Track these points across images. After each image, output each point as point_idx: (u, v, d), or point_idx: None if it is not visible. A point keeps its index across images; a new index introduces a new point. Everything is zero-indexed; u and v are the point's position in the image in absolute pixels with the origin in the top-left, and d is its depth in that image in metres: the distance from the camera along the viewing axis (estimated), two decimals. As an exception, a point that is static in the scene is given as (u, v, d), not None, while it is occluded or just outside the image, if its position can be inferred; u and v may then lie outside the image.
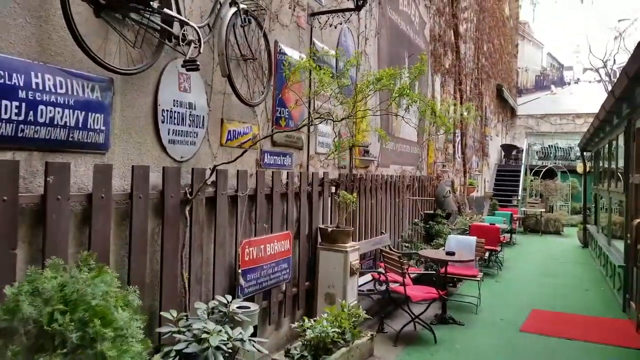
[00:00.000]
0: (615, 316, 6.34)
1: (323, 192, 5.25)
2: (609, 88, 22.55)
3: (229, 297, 2.92)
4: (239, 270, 3.36)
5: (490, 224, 10.09)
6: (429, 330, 5.28)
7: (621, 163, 7.19)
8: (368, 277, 5.89)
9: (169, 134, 3.01)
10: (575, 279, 8.83)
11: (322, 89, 3.70)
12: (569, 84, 25.70)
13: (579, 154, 22.20)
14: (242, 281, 3.36)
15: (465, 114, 13.82)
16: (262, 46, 4.04)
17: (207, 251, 3.27)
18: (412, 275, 5.96)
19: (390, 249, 6.91)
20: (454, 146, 13.23)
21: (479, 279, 6.56)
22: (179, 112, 3.09)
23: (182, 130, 3.11)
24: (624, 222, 6.89)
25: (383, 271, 5.53)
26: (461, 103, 13.40)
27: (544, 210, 17.23)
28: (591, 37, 22.96)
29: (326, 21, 4.95)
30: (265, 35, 3.99)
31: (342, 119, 3.72)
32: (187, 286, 2.93)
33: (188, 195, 3.01)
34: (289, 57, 4.23)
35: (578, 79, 25.46)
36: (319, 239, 5.01)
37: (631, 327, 5.75)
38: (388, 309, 5.85)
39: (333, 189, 5.53)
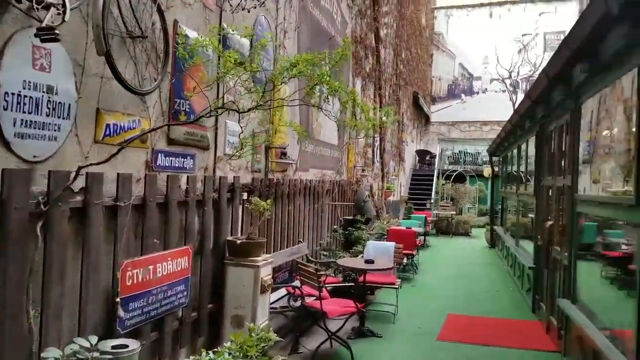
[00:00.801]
0: (526, 317, 6.41)
1: (233, 199, 4.66)
2: (513, 97, 24.13)
3: (94, 338, 2.25)
4: (118, 299, 2.68)
5: (407, 228, 10.05)
6: (345, 347, 4.90)
7: (531, 166, 7.33)
8: (283, 291, 5.39)
9: (15, 125, 2.28)
10: (486, 281, 8.99)
11: (226, 74, 3.14)
12: (478, 93, 27.08)
13: (486, 159, 23.49)
14: (121, 312, 2.68)
15: (384, 118, 13.83)
16: (156, 24, 3.38)
17: (72, 277, 2.56)
18: (329, 288, 5.56)
19: (308, 259, 6.46)
20: (373, 151, 13.16)
21: (397, 286, 6.32)
22: (32, 97, 2.37)
23: (36, 121, 2.38)
24: (533, 224, 7.00)
25: (299, 285, 5.05)
26: (380, 107, 13.37)
27: (454, 212, 17.85)
28: (499, 49, 24.36)
29: (238, 3, 4.38)
30: (160, 11, 3.34)
31: (250, 110, 3.17)
32: (33, 326, 2.20)
33: (42, 206, 2.29)
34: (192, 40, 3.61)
35: (486, 88, 26.90)
36: (227, 253, 4.42)
37: (541, 328, 5.79)
38: (305, 325, 5.39)
39: (245, 196, 4.96)
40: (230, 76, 3.24)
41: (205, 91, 3.75)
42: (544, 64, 18.67)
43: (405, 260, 7.73)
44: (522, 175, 8.53)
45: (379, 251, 6.67)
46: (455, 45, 26.87)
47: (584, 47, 3.34)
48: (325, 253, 7.22)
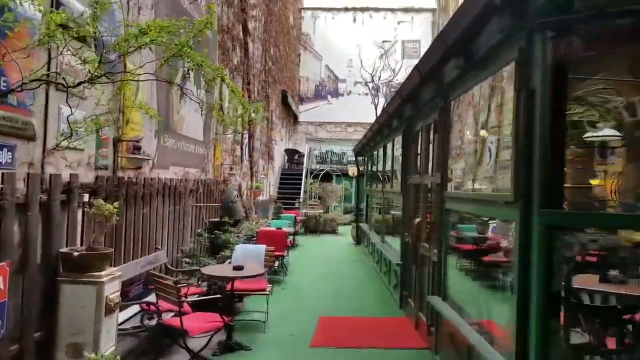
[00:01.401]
0: (394, 314, 6.48)
1: (70, 203, 3.81)
2: (375, 101, 25.48)
3: None
4: None
5: (277, 229, 9.74)
6: (211, 366, 4.35)
7: (398, 165, 7.50)
8: (136, 308, 4.62)
9: None
10: (354, 278, 9.07)
11: (51, 39, 2.40)
12: (343, 95, 28.05)
13: (351, 159, 24.41)
14: None
15: (254, 114, 13.33)
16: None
17: None
18: (192, 301, 4.93)
19: (168, 268, 5.73)
20: (241, 148, 12.61)
21: (268, 292, 5.91)
22: None
23: None
24: (398, 221, 7.15)
25: (154, 300, 4.35)
26: (249, 103, 12.87)
27: (322, 211, 18.14)
28: (362, 53, 25.51)
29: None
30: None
31: (80, 83, 2.49)
32: None
33: None
34: None
35: (350, 91, 27.98)
36: (61, 269, 3.58)
37: (410, 324, 5.86)
38: (163, 345, 4.69)
39: (86, 198, 4.11)
40: (58, 42, 2.49)
41: (23, 60, 2.90)
42: (402, 70, 19.78)
43: (276, 265, 7.35)
44: (389, 173, 8.75)
45: (248, 255, 6.20)
46: (322, 47, 27.48)
47: (460, 41, 3.28)
48: (188, 260, 6.52)
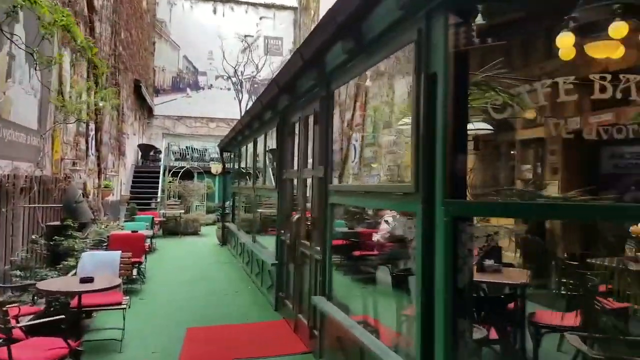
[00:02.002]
0: (270, 317, 6.09)
1: None
2: (240, 96, 24.80)
3: None
4: None
5: (133, 232, 8.68)
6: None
7: (271, 160, 7.12)
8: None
9: None
10: (223, 282, 8.48)
11: None
12: (204, 88, 26.80)
13: (214, 155, 23.39)
14: None
15: (101, 103, 11.83)
16: None
17: None
18: (26, 325, 3.94)
19: (-11, 286, 4.56)
20: (87, 141, 11.05)
21: (124, 306, 5.07)
22: None
23: None
24: (266, 219, 6.80)
25: (-30, 331, 3.32)
26: (95, 92, 11.34)
27: (183, 211, 16.99)
28: (223, 46, 24.61)
29: None
30: None
31: None
32: None
33: None
34: None
35: (211, 84, 26.84)
36: None
37: (288, 328, 5.53)
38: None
39: None
40: None
41: None
42: (266, 67, 19.47)
43: (135, 273, 6.42)
44: (260, 169, 8.34)
45: (99, 264, 5.26)
46: (180, 37, 25.90)
47: (352, 19, 3.00)
48: (19, 274, 5.32)
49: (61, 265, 5.74)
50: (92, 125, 11.46)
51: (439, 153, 2.37)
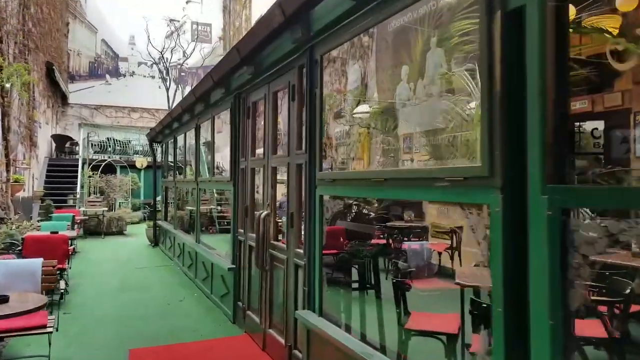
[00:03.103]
0: (228, 331, 5.22)
1: None
2: (167, 84, 23.01)
3: None
4: None
5: (53, 233, 7.35)
6: None
7: (221, 149, 6.23)
8: None
9: None
10: (162, 288, 7.43)
11: None
12: (125, 75, 24.70)
13: (138, 148, 21.55)
14: None
15: (7, 85, 10.14)
16: None
17: None
18: None
19: None
20: (-10, 127, 9.40)
21: (50, 329, 3.99)
22: None
23: None
24: (227, 216, 5.91)
25: None
26: (0, 69, 9.67)
27: (106, 209, 15.34)
28: (147, 31, 22.73)
29: None
30: None
31: None
32: None
33: None
34: None
35: (133, 71, 24.79)
36: None
37: (253, 344, 4.71)
38: None
39: None
40: None
41: None
42: (196, 54, 17.94)
43: (63, 285, 5.20)
44: (206, 160, 7.37)
45: (15, 276, 4.13)
46: (97, 19, 23.65)
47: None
48: None
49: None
50: (-4, 110, 9.78)
51: (535, 120, 1.69)
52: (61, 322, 5.46)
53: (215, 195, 13.55)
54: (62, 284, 4.28)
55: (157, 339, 4.99)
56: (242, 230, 5.27)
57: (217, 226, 12.15)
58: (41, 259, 4.37)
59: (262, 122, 4.85)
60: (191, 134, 8.28)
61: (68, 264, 7.12)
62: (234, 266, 5.45)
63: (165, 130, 10.74)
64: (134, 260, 10.12)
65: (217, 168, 9.71)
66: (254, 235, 4.85)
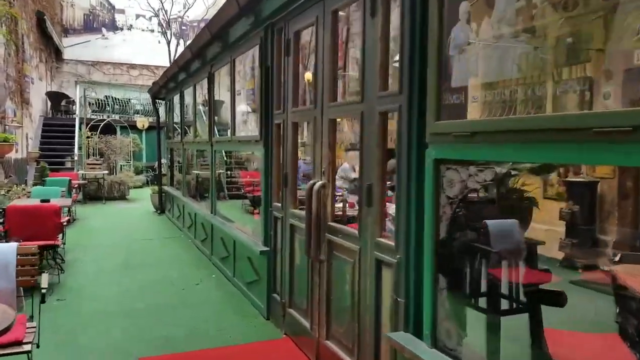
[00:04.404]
0: (262, 333, 4.06)
1: None
2: (167, 38, 21.31)
3: None
4: None
5: (42, 201, 6.20)
6: None
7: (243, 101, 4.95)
8: None
9: None
10: (173, 267, 6.32)
11: None
12: (122, 29, 23.03)
13: (138, 107, 20.14)
14: None
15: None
16: None
17: None
18: None
19: None
20: (-32, 78, 8.08)
21: (28, 346, 2.86)
22: None
23: None
24: (254, 185, 4.75)
25: None
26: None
27: (107, 172, 14.17)
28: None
29: None
30: None
31: None
32: None
33: None
34: None
35: (131, 25, 23.11)
36: None
37: (300, 355, 3.58)
38: None
39: None
40: None
41: None
42: (199, 5, 16.02)
43: (42, 283, 3.97)
44: (223, 115, 6.10)
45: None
46: (90, -36, 21.82)
47: None
48: None
49: None
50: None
51: None
52: (52, 311, 4.40)
53: (224, 158, 12.32)
54: (44, 280, 3.08)
55: (173, 340, 3.90)
56: (280, 205, 4.08)
57: (226, 192, 11.00)
58: (15, 244, 3.20)
59: (311, 59, 3.57)
60: (200, 87, 6.98)
61: (62, 238, 6.00)
62: (267, 249, 4.29)
63: (169, 84, 9.39)
64: (139, 230, 9.02)
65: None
66: (300, 212, 3.67)
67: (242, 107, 10.61)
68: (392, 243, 2.48)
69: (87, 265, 6.33)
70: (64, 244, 6.25)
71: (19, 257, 3.17)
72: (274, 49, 4.18)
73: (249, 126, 10.35)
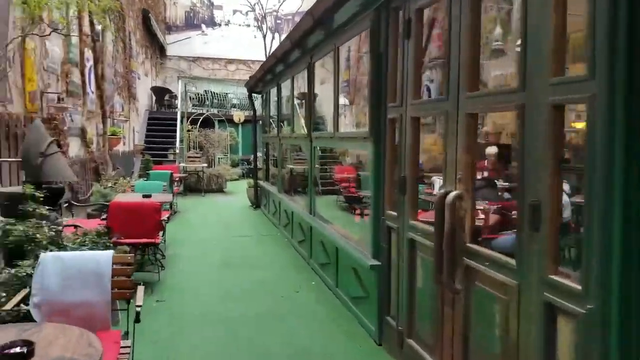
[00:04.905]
0: (372, 357, 3.57)
1: None
2: (263, 32, 21.52)
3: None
4: None
5: (144, 196, 6.17)
6: None
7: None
8: None
9: None
10: (272, 269, 5.99)
11: None
12: (220, 25, 23.63)
13: (235, 102, 20.56)
14: None
15: (99, 26, 9.08)
16: None
17: None
18: None
19: None
20: (82, 73, 8.42)
21: None
22: None
23: None
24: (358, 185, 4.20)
25: None
26: None
27: (206, 165, 14.50)
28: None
29: None
30: None
31: None
32: None
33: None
34: None
35: (229, 20, 23.64)
36: None
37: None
38: None
39: None
40: None
41: None
42: None
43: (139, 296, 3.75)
44: (324, 109, 5.60)
45: (72, 278, 2.74)
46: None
47: None
48: None
49: (15, 271, 3.21)
50: (88, 54, 8.77)
51: None
52: (152, 314, 4.20)
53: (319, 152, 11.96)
54: (139, 295, 2.78)
55: (276, 358, 3.49)
56: (394, 213, 3.48)
57: (320, 187, 10.63)
58: (111, 252, 2.94)
59: (438, 41, 2.91)
60: (300, 79, 6.56)
61: (162, 235, 5.92)
62: (377, 263, 3.73)
63: (266, 76, 9.15)
64: (236, 226, 8.93)
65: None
66: (424, 225, 3.05)
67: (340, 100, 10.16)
68: (576, 285, 1.79)
69: (186, 262, 6.23)
70: (164, 241, 6.19)
71: (115, 264, 2.91)
72: (389, 32, 3.58)
73: (346, 120, 9.84)
